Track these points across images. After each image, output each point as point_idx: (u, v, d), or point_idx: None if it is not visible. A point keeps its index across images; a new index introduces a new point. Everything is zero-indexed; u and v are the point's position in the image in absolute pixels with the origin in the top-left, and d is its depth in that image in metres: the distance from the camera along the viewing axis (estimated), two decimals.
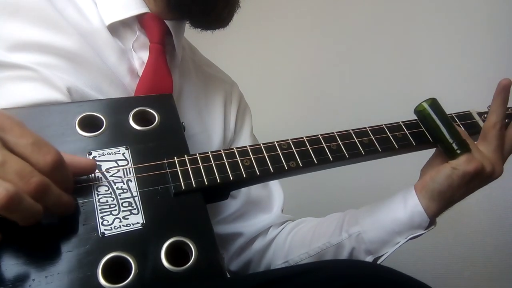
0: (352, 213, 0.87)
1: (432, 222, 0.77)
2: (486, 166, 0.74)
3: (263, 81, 1.87)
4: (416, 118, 0.79)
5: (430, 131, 0.77)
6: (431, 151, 0.81)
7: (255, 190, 0.96)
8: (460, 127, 0.80)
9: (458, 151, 0.73)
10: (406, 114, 0.79)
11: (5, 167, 0.49)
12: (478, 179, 0.75)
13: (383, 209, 0.80)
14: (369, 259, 0.81)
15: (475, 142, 0.78)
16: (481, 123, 0.81)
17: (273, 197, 1.01)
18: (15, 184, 0.48)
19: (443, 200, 0.75)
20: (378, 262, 0.80)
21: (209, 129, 0.93)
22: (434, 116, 0.76)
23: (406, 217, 0.76)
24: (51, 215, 0.54)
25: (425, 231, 0.77)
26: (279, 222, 0.99)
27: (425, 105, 0.76)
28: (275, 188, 1.02)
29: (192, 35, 0.91)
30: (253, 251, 0.97)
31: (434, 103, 0.77)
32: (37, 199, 0.50)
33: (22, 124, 0.52)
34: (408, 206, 0.77)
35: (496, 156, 0.76)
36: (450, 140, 0.74)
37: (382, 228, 0.79)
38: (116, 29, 0.81)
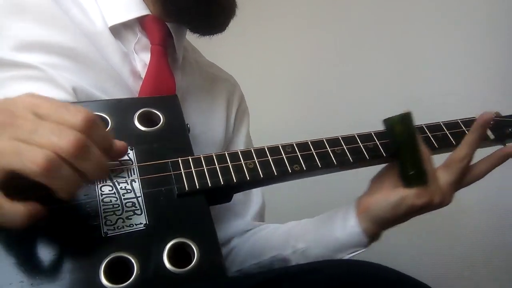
0: (302, 226, 0.86)
1: (375, 238, 0.77)
2: (435, 199, 0.72)
3: (263, 81, 1.87)
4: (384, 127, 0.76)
5: (393, 147, 0.73)
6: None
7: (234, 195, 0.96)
8: (465, 131, 0.79)
9: (413, 182, 0.71)
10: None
11: (38, 132, 0.47)
12: (424, 210, 0.73)
13: (326, 226, 0.80)
14: None
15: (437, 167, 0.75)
16: (487, 130, 0.80)
17: (250, 203, 1.00)
18: (53, 146, 0.47)
19: (384, 225, 0.75)
20: None
21: (212, 130, 0.93)
22: (401, 134, 0.71)
23: (345, 237, 0.76)
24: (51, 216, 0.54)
25: (366, 248, 0.76)
26: (250, 228, 0.98)
27: (395, 121, 0.71)
28: (255, 194, 1.01)
29: (191, 36, 0.91)
30: (224, 255, 0.96)
31: (406, 118, 0.72)
32: (77, 158, 0.48)
33: (53, 99, 0.51)
34: (347, 227, 0.76)
35: (450, 188, 0.74)
36: (409, 168, 0.71)
37: (324, 246, 0.78)
38: (118, 31, 0.81)
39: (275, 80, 1.88)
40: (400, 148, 0.71)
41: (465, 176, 0.75)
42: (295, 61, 1.85)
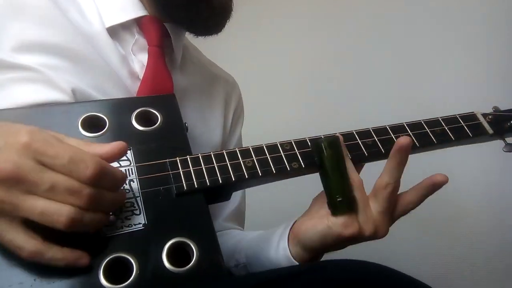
0: (249, 239, 0.85)
1: (310, 261, 0.73)
2: (366, 230, 0.66)
3: (264, 81, 1.87)
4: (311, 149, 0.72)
5: (320, 174, 0.69)
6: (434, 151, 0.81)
7: None
8: (466, 130, 0.78)
9: (340, 210, 0.66)
10: (407, 114, 0.79)
11: (55, 190, 0.50)
12: (355, 241, 0.68)
13: (264, 243, 0.78)
14: None
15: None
16: (485, 124, 0.79)
17: (225, 204, 0.97)
18: (71, 203, 0.50)
19: (314, 253, 0.71)
20: None
21: (211, 130, 0.93)
22: (328, 160, 0.67)
23: (275, 259, 0.74)
24: None
25: None
26: (218, 230, 0.95)
27: (323, 144, 0.67)
28: (233, 196, 1.00)
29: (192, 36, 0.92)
30: None
31: (333, 143, 0.68)
32: (95, 207, 0.52)
33: (52, 140, 0.52)
34: (279, 249, 0.73)
35: (382, 218, 0.68)
36: (336, 194, 0.66)
37: (260, 264, 0.78)
38: (116, 32, 0.81)
39: (275, 80, 1.88)
40: (327, 173, 0.67)
41: (395, 205, 0.70)
42: (295, 61, 1.85)
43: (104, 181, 0.53)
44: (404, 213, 0.71)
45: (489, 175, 1.36)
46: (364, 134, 0.74)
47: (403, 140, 0.67)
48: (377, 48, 1.64)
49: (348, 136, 0.73)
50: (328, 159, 0.67)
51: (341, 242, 0.67)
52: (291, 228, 0.73)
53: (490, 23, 1.40)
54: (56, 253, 0.51)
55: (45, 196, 0.49)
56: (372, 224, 0.67)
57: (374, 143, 0.73)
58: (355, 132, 0.74)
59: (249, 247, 0.82)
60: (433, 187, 0.69)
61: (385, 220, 0.69)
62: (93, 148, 0.55)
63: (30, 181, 0.49)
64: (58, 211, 0.49)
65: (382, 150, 0.73)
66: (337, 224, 0.65)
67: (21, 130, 0.51)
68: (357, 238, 0.66)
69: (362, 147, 0.72)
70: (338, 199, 0.66)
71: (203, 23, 0.83)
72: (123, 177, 0.57)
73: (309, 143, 0.70)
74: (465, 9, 1.45)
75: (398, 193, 0.70)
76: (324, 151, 0.67)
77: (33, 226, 0.50)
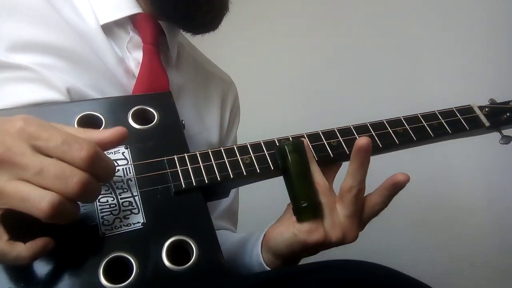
0: (231, 243, 0.85)
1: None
2: (333, 236, 0.65)
3: (262, 80, 1.87)
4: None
5: (284, 179, 0.68)
6: (430, 148, 0.80)
7: None
8: (462, 123, 0.78)
9: (305, 216, 0.64)
10: (405, 112, 0.79)
11: (44, 174, 0.48)
12: (322, 247, 0.67)
13: (240, 249, 0.78)
14: None
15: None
16: (482, 117, 0.79)
17: (218, 202, 0.98)
18: (58, 190, 0.48)
19: (285, 260, 0.69)
20: None
21: (208, 128, 0.93)
22: (291, 164, 0.66)
23: (250, 265, 0.74)
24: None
25: None
26: None
27: (286, 148, 0.66)
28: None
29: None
30: None
31: (297, 147, 0.67)
32: (81, 197, 0.50)
33: (48, 125, 0.51)
34: (253, 255, 0.73)
35: (349, 222, 0.66)
36: (301, 200, 0.65)
37: (235, 268, 0.78)
38: (110, 29, 0.80)
39: (274, 79, 1.88)
40: (291, 178, 0.66)
41: (362, 208, 0.68)
42: (294, 60, 1.86)
43: (99, 167, 0.51)
44: (373, 215, 0.70)
45: (489, 174, 1.35)
46: (362, 129, 0.74)
47: (361, 141, 0.65)
48: (376, 48, 1.64)
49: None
50: (292, 164, 0.65)
51: (308, 249, 0.66)
52: (264, 234, 0.72)
53: (490, 23, 1.40)
54: (21, 251, 0.49)
55: (33, 181, 0.48)
56: (340, 229, 0.66)
57: (372, 138, 0.71)
58: (353, 127, 0.74)
59: (228, 251, 0.81)
60: (394, 186, 0.67)
61: (353, 224, 0.67)
62: (91, 133, 0.54)
63: (19, 164, 0.48)
64: (40, 197, 0.47)
65: (380, 144, 0.73)
66: (301, 231, 0.64)
67: (17, 116, 0.51)
68: (324, 244, 0.65)
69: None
70: (302, 205, 0.64)
71: (200, 20, 0.82)
72: (114, 168, 0.55)
73: (275, 149, 0.68)
74: (465, 9, 1.45)
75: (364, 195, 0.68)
76: (288, 155, 0.66)
77: (10, 225, 0.49)
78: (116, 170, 0.61)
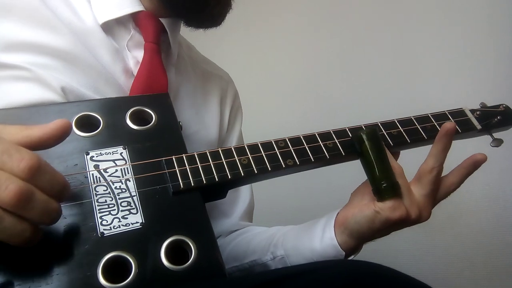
0: (283, 233, 0.85)
1: (354, 250, 0.75)
2: (412, 213, 0.70)
3: (262, 80, 1.88)
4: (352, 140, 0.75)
5: (363, 163, 0.72)
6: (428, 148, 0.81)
7: None
8: (457, 126, 0.79)
9: (386, 195, 0.69)
10: (404, 112, 0.79)
11: None
12: (402, 225, 0.71)
13: (305, 235, 0.79)
14: None
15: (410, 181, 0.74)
16: (473, 120, 0.81)
17: (237, 202, 0.99)
18: None
19: (361, 239, 0.73)
20: None
21: (206, 127, 0.93)
22: (369, 150, 0.70)
23: (321, 249, 0.75)
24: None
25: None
26: (237, 229, 0.97)
27: (363, 135, 0.71)
28: (243, 193, 1.00)
29: (190, 34, 0.91)
30: None
31: (373, 134, 0.71)
32: (20, 210, 0.46)
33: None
34: (324, 239, 0.75)
35: (426, 202, 0.72)
36: (381, 180, 0.69)
37: (301, 255, 0.78)
38: (110, 27, 0.80)
39: (274, 79, 1.88)
40: (370, 162, 0.70)
41: (438, 188, 0.74)
42: (294, 60, 1.86)
43: (42, 179, 0.48)
44: (446, 195, 0.75)
45: (489, 175, 1.35)
46: (357, 131, 0.75)
47: (449, 125, 0.72)
48: (376, 47, 1.65)
49: (340, 133, 0.74)
50: (371, 149, 0.70)
51: (389, 226, 0.70)
52: (335, 219, 0.75)
53: (490, 23, 1.40)
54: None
55: None
56: (417, 208, 0.71)
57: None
58: (348, 129, 0.75)
59: (286, 241, 0.82)
60: (473, 165, 0.74)
61: (429, 203, 0.73)
62: (31, 130, 0.52)
63: None
64: None
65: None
66: (384, 208, 0.68)
67: None
68: (404, 221, 0.69)
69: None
70: (383, 185, 0.69)
71: (208, 12, 0.82)
72: (64, 183, 0.51)
73: (350, 134, 0.74)
74: (465, 9, 1.45)
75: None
76: (366, 142, 0.70)
77: None
78: (113, 170, 0.61)
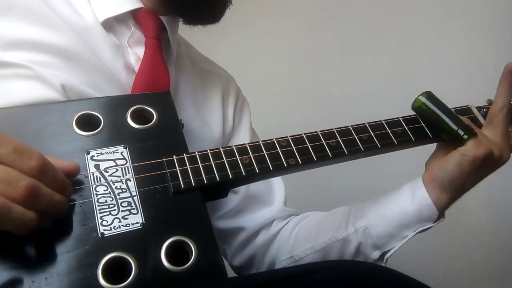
0: (358, 207, 0.84)
1: (441, 214, 0.75)
2: (495, 150, 0.73)
3: (262, 78, 1.87)
4: (415, 114, 0.78)
5: (433, 122, 0.76)
6: (430, 148, 0.81)
7: (254, 184, 0.92)
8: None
9: (465, 137, 0.72)
10: (405, 111, 0.79)
11: None
12: (488, 164, 0.74)
13: (389, 202, 0.79)
14: (376, 254, 0.79)
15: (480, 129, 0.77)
16: (480, 118, 0.81)
17: (274, 190, 0.98)
18: (2, 193, 0.48)
19: (453, 190, 0.74)
20: (385, 257, 0.78)
21: (208, 123, 0.92)
22: (434, 108, 0.75)
23: (414, 210, 0.75)
24: (48, 217, 0.54)
25: (434, 224, 0.75)
26: (282, 215, 0.97)
27: (422, 98, 0.76)
28: (276, 181, 0.99)
29: (190, 34, 0.91)
30: (257, 245, 0.95)
31: (430, 95, 0.76)
32: (29, 203, 0.50)
33: (7, 141, 0.52)
34: (416, 199, 0.75)
35: (503, 141, 0.75)
36: (455, 127, 0.73)
37: (389, 222, 0.77)
38: (111, 25, 0.80)
39: (274, 78, 1.88)
40: (440, 120, 0.74)
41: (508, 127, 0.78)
42: (294, 59, 1.86)
43: (47, 177, 0.52)
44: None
45: (489, 175, 1.35)
46: (361, 129, 0.75)
47: (510, 64, 0.77)
48: (376, 45, 1.64)
49: (344, 132, 0.74)
50: (434, 106, 0.76)
51: (477, 167, 0.72)
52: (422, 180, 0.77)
53: (490, 22, 1.40)
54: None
55: None
56: (497, 147, 0.74)
57: (370, 138, 0.74)
58: (351, 127, 0.75)
59: (366, 212, 0.81)
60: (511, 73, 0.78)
61: (506, 142, 0.76)
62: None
63: None
64: None
65: (378, 145, 0.74)
66: (468, 149, 0.72)
67: None
68: (489, 157, 0.72)
69: (358, 142, 0.74)
70: (458, 130, 0.73)
71: (209, 7, 0.83)
72: (67, 182, 0.56)
73: (413, 110, 0.78)
74: (464, 8, 1.45)
75: None
76: (429, 102, 0.76)
77: None
78: (114, 170, 0.61)
